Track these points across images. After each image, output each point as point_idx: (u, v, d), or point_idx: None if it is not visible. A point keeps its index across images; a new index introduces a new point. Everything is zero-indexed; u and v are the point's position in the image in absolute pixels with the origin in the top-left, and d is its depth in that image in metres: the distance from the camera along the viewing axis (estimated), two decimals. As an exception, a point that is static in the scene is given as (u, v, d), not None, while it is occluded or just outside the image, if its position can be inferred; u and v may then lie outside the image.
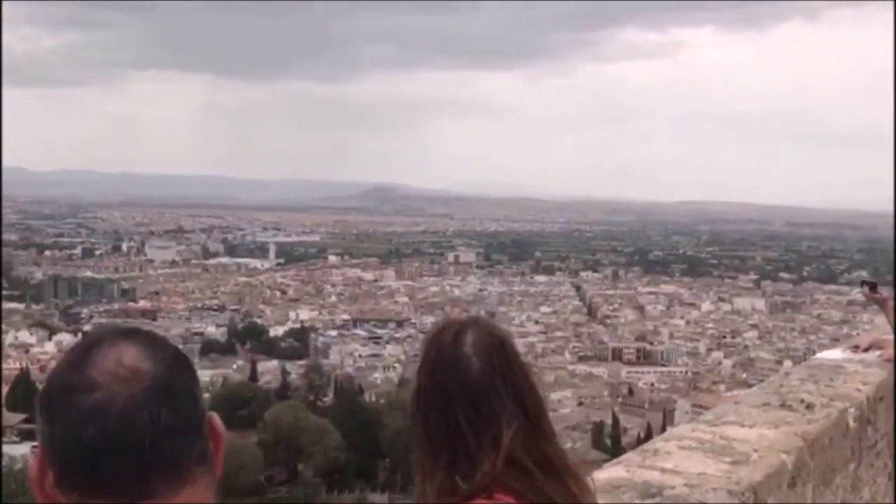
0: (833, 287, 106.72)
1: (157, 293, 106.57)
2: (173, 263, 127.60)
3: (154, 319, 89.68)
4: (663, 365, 79.30)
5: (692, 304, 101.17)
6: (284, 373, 65.02)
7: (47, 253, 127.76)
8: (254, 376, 65.24)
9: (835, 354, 4.89)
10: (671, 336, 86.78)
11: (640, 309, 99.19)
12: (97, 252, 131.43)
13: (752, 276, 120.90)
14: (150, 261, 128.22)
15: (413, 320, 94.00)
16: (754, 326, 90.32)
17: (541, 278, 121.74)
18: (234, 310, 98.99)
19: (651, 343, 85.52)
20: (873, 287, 5.01)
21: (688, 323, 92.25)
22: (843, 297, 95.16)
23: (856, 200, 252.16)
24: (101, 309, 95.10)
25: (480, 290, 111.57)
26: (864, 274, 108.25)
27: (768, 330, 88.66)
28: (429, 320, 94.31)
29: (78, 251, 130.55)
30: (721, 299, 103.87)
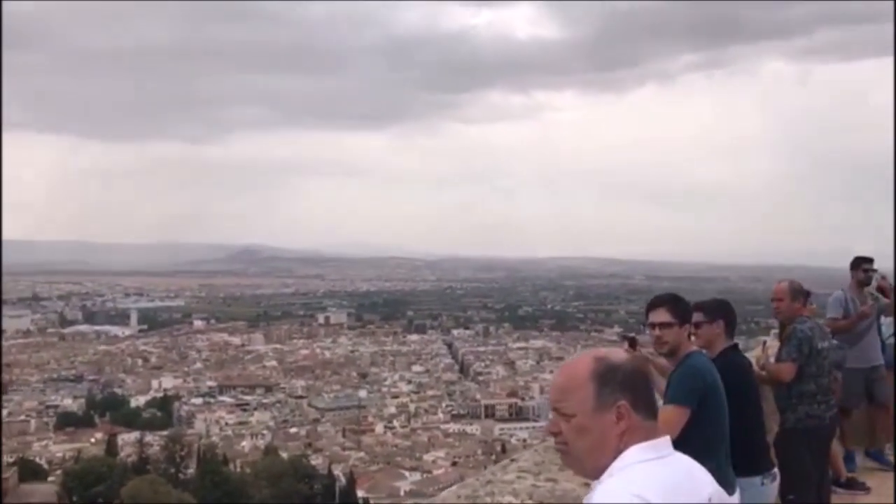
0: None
1: (8, 365, 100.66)
2: (27, 333, 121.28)
3: (4, 393, 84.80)
4: (535, 420, 79.68)
5: (561, 358, 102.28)
6: (143, 444, 61.95)
7: None
8: (112, 450, 61.91)
9: None
10: (542, 391, 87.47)
11: (511, 364, 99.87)
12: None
13: (617, 330, 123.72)
14: (2, 331, 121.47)
15: (282, 385, 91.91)
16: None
17: (413, 337, 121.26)
18: (92, 380, 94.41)
19: (522, 399, 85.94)
20: (633, 342, 4.72)
21: (549, 372, 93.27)
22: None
23: (708, 253, 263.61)
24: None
25: (352, 351, 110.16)
26: (619, 329, 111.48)
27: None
28: (299, 384, 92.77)
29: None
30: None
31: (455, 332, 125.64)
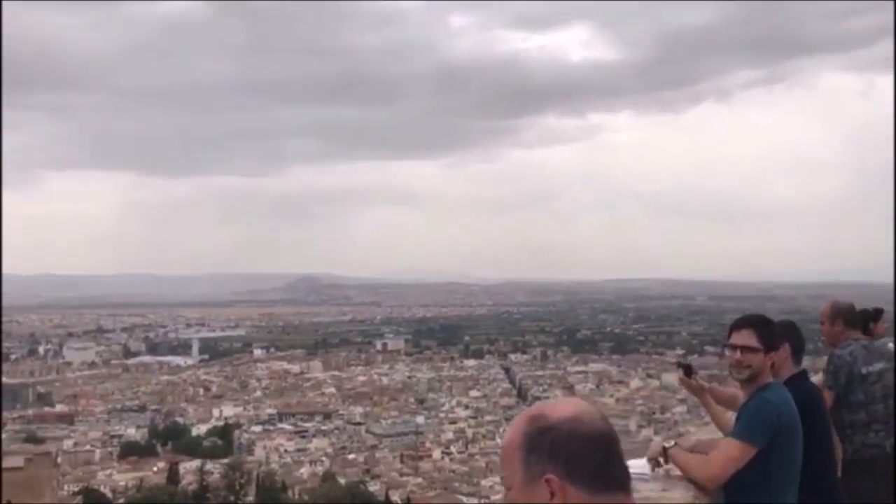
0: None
1: (74, 396, 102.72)
2: (92, 365, 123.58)
3: (71, 423, 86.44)
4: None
5: (621, 382, 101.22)
6: (204, 473, 62.50)
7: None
8: (173, 478, 62.58)
9: (638, 464, 4.04)
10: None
11: (570, 388, 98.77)
12: (12, 356, 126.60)
13: (679, 352, 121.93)
14: (68, 363, 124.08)
15: (341, 411, 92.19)
16: (682, 401, 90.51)
17: (470, 362, 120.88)
18: (155, 410, 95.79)
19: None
20: (688, 370, 4.43)
21: (617, 401, 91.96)
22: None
23: (772, 272, 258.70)
24: (15, 415, 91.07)
25: (409, 377, 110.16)
26: (680, 352, 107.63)
27: (696, 404, 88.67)
28: (357, 410, 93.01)
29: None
30: (649, 375, 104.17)
31: (512, 356, 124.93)
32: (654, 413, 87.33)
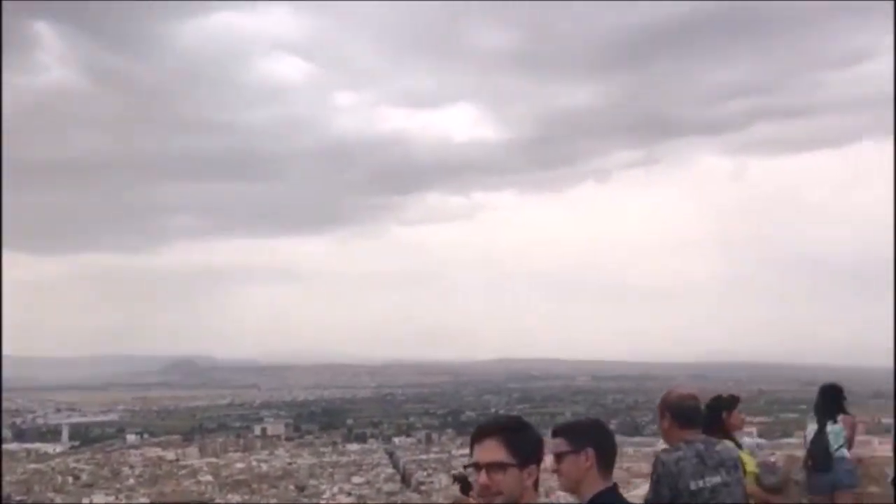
0: (638, 439, 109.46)
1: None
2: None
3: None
4: (479, 530, 77.67)
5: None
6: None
7: None
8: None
9: None
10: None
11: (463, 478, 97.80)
12: None
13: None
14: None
15: (218, 500, 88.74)
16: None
17: (353, 446, 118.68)
18: (20, 501, 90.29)
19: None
20: (464, 486, 3.88)
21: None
22: (650, 448, 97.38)
23: (653, 352, 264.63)
24: None
25: (290, 463, 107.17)
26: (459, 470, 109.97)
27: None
28: (235, 499, 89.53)
29: None
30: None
31: (396, 440, 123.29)
32: (540, 495, 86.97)
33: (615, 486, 3.58)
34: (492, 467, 2.84)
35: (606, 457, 3.56)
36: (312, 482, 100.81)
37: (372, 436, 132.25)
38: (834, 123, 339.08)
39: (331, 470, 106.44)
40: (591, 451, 3.53)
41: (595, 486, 3.51)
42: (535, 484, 2.94)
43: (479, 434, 2.96)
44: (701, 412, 4.99)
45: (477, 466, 2.88)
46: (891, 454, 9.75)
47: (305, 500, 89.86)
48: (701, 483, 4.55)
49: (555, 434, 3.62)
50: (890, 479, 6.52)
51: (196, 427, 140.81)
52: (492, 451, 2.86)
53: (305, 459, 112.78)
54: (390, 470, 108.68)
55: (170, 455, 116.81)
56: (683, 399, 4.85)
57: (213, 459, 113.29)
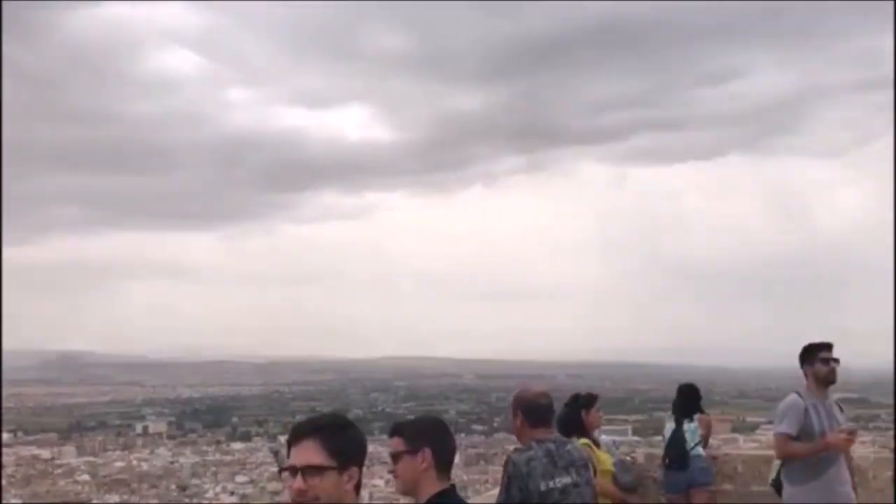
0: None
1: None
2: None
3: None
4: (362, 529, 77.84)
5: (386, 463, 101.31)
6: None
7: None
8: None
9: None
10: (370, 497, 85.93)
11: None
12: None
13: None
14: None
15: (95, 500, 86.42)
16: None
17: (237, 445, 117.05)
18: None
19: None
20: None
21: (387, 483, 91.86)
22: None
23: (536, 351, 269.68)
24: None
25: (172, 462, 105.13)
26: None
27: (464, 484, 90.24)
28: (113, 499, 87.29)
29: None
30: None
31: (282, 438, 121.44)
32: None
33: (453, 488, 3.47)
34: (308, 471, 2.57)
35: (444, 457, 3.44)
36: (195, 481, 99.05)
37: (257, 434, 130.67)
38: (706, 137, 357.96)
39: (214, 469, 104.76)
40: (428, 452, 3.40)
41: (432, 487, 3.38)
42: (357, 487, 2.67)
43: (296, 434, 2.70)
44: (553, 411, 4.81)
45: (293, 470, 2.60)
46: (750, 452, 10.12)
47: (187, 500, 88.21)
48: (551, 484, 4.41)
49: (391, 434, 3.52)
50: (771, 479, 6.42)
51: (74, 425, 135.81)
52: (309, 452, 2.60)
53: (188, 458, 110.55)
54: (275, 469, 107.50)
55: (45, 454, 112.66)
56: (536, 397, 4.71)
57: (91, 458, 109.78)
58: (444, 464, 3.43)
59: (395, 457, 3.47)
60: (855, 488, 6.37)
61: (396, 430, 3.54)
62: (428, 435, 3.47)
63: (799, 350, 6.31)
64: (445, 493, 3.41)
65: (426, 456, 3.38)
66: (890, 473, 8.66)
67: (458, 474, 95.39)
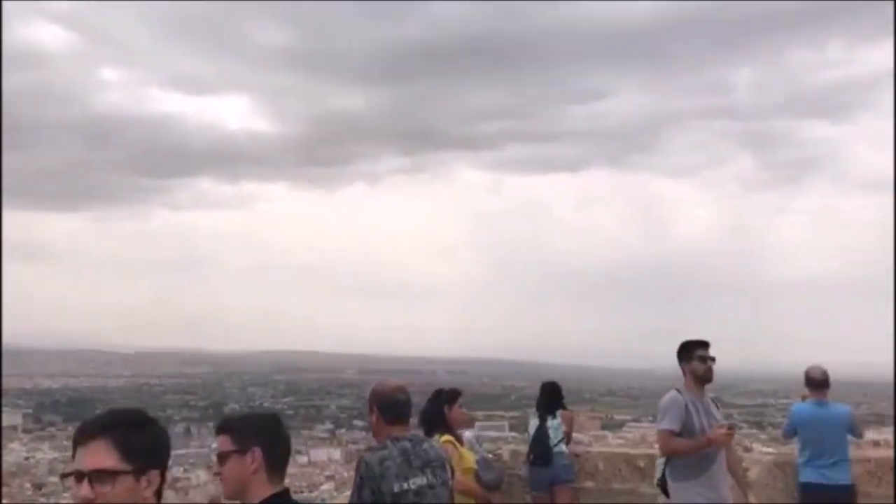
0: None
1: None
2: None
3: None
4: (240, 530, 72.29)
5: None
6: None
7: None
8: None
9: None
10: None
11: (213, 468, 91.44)
12: None
13: (328, 426, 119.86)
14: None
15: (-65, 501, 77.77)
16: (330, 478, 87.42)
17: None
18: None
19: (226, 506, 78.22)
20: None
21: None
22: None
23: (416, 347, 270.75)
24: None
25: (27, 458, 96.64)
26: (329, 425, 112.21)
27: (344, 481, 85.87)
28: (-43, 499, 78.99)
29: None
30: (298, 451, 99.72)
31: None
32: (301, 491, 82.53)
33: (286, 491, 3.04)
34: (97, 476, 2.18)
35: (277, 457, 3.01)
36: (52, 479, 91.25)
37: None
38: (573, 150, 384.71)
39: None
40: (258, 451, 2.97)
41: (262, 490, 2.96)
42: (158, 494, 2.29)
43: (82, 433, 2.28)
44: (410, 406, 4.65)
45: (79, 475, 2.21)
46: (611, 450, 10.07)
47: (43, 500, 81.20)
48: (405, 485, 4.23)
49: (217, 431, 3.05)
50: (657, 480, 6.19)
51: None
52: (98, 455, 2.21)
53: (46, 454, 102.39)
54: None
55: None
56: (393, 392, 4.55)
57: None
58: (276, 464, 3.03)
59: (222, 457, 3.03)
60: (747, 486, 6.79)
61: (223, 427, 3.07)
62: (258, 433, 3.04)
63: (669, 350, 6.41)
64: (278, 496, 3.01)
65: (256, 456, 2.99)
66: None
67: (339, 471, 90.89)
